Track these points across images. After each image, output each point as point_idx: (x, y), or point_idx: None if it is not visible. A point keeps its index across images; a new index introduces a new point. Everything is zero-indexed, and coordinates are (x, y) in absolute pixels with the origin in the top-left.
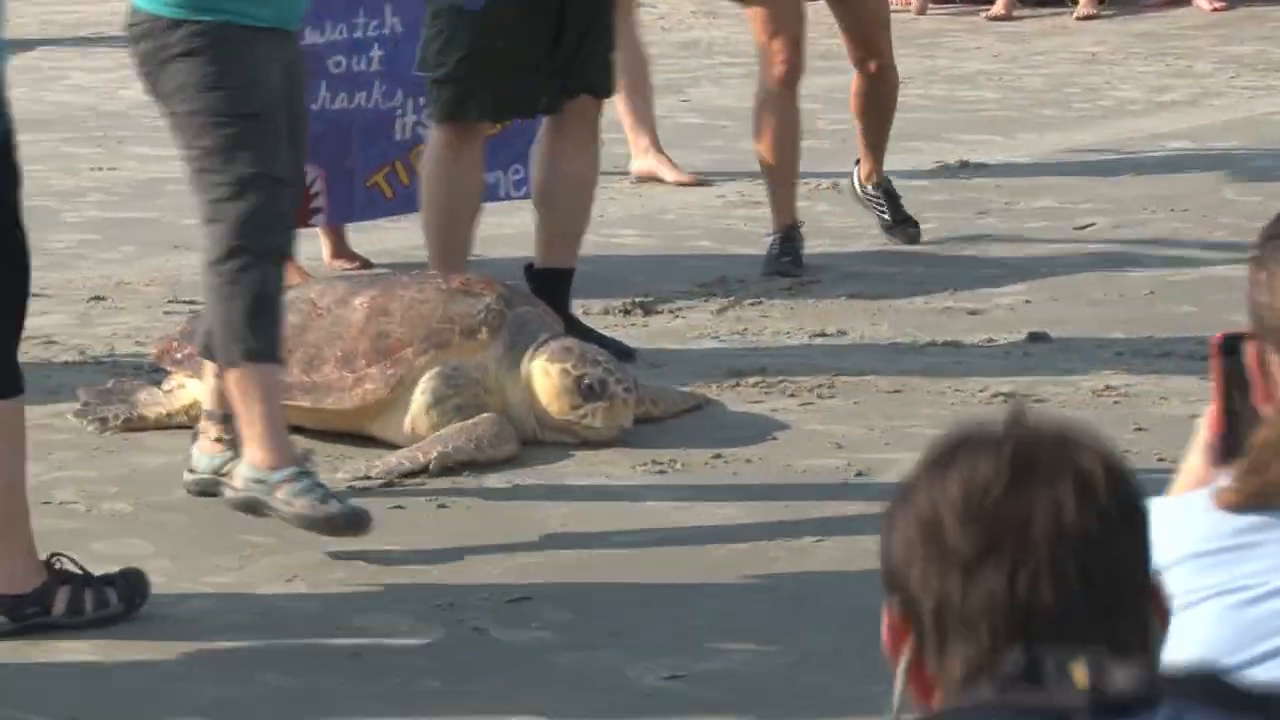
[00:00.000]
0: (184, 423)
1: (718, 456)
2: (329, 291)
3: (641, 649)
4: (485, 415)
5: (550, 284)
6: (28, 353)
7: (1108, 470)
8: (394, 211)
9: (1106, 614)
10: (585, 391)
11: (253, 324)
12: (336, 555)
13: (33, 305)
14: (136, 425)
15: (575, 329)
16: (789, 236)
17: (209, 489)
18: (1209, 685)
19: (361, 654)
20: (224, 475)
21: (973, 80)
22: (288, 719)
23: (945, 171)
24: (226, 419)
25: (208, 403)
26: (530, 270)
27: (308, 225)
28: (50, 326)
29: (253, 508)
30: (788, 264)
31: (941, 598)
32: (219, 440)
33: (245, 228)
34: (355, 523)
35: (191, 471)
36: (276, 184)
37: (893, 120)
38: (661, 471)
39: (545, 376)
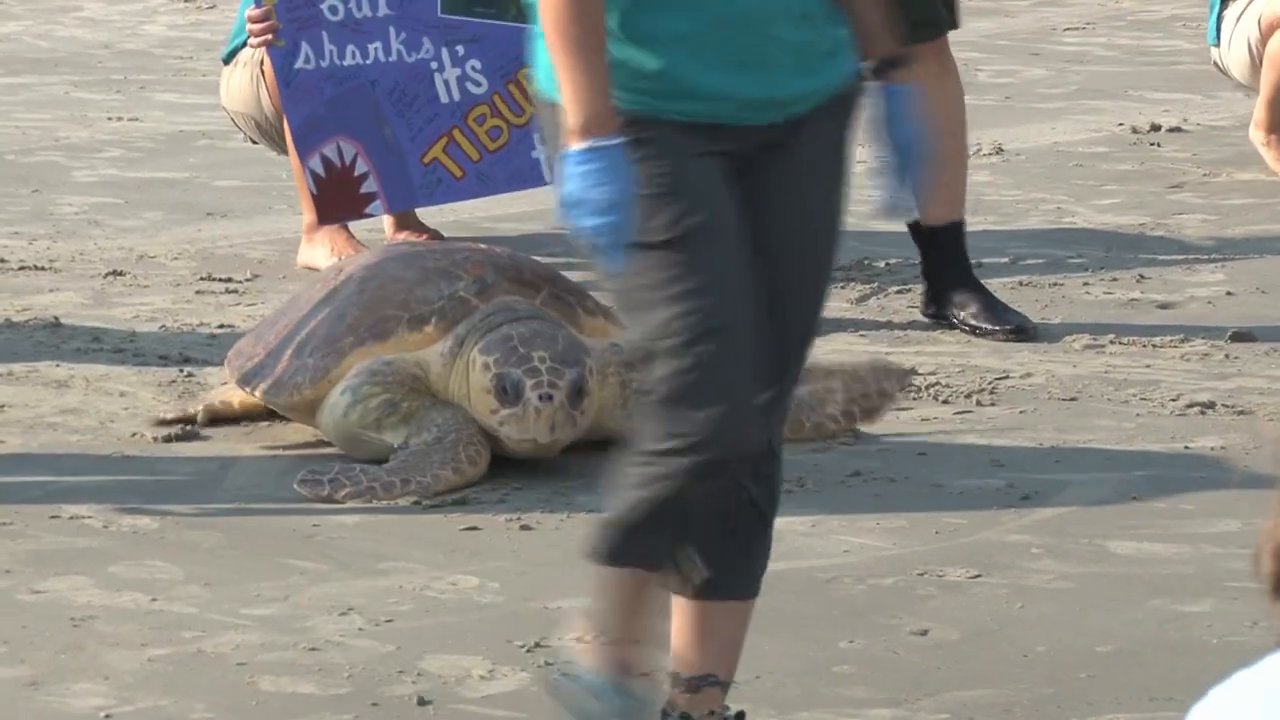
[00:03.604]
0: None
1: (856, 474)
2: (351, 264)
3: (766, 701)
4: (450, 419)
5: (939, 243)
6: (31, 337)
7: None
8: (468, 194)
9: None
10: (499, 393)
11: (654, 527)
12: (399, 585)
13: (39, 281)
14: (221, 413)
15: (976, 290)
16: None
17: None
18: None
19: (429, 701)
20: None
21: (1165, 27)
22: None
23: (1132, 136)
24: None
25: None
26: (915, 231)
27: (363, 215)
28: (59, 306)
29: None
30: None
31: None
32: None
33: (679, 405)
34: None
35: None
36: (725, 335)
37: None
38: (789, 491)
39: (473, 369)
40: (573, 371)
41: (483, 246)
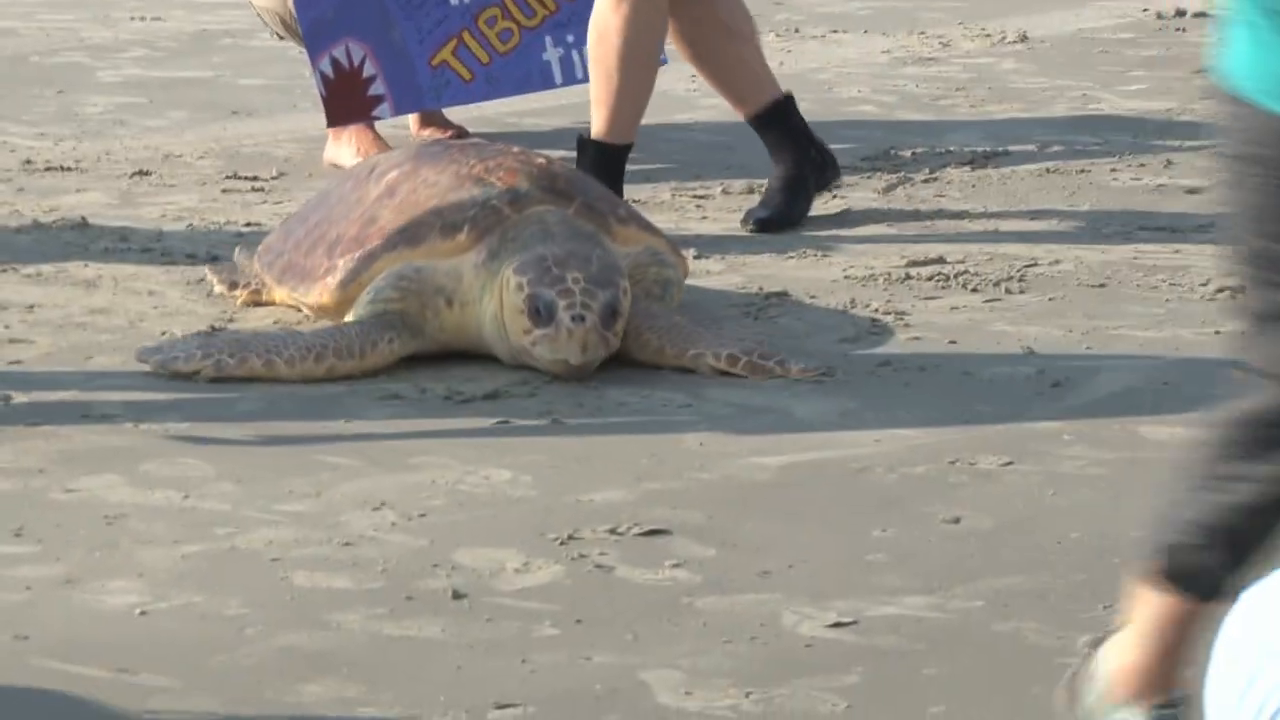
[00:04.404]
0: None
1: (886, 364)
2: (383, 163)
3: (800, 591)
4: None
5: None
6: (59, 237)
7: None
8: (476, 97)
9: None
10: (532, 314)
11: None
12: (431, 479)
13: (66, 182)
14: (266, 302)
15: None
16: None
17: None
18: None
19: (464, 594)
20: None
21: None
22: (376, 672)
23: (1157, 22)
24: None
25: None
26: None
27: (371, 118)
28: (86, 206)
29: None
30: None
31: None
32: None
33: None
34: None
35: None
36: None
37: None
38: (819, 382)
39: (506, 289)
40: (606, 293)
41: (516, 150)
